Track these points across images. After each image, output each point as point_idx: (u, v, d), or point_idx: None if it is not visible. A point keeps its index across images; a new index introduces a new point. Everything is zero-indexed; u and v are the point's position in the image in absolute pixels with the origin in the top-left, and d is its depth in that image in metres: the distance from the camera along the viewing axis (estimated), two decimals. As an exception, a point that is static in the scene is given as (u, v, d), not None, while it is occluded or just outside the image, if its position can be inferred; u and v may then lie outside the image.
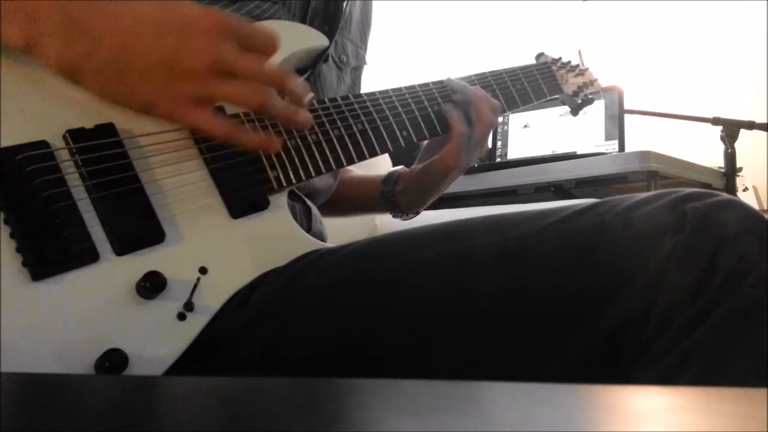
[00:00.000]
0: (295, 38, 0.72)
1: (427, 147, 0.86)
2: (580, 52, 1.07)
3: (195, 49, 0.50)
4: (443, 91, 0.80)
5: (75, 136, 0.54)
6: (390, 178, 0.88)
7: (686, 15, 2.62)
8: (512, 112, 0.85)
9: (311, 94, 0.59)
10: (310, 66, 0.76)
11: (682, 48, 2.61)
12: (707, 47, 2.57)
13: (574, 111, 1.06)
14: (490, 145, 1.96)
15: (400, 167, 0.89)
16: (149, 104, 0.53)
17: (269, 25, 0.70)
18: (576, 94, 1.03)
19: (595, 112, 1.84)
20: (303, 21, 0.76)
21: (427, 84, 0.79)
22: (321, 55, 0.76)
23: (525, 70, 0.94)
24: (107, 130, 0.56)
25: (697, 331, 0.46)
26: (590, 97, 1.05)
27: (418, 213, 0.90)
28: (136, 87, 0.51)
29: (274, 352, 0.57)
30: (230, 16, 0.53)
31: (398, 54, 2.62)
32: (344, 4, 0.79)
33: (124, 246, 0.54)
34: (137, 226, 0.55)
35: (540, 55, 1.02)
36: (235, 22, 0.53)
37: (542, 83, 0.95)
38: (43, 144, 0.53)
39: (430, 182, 0.82)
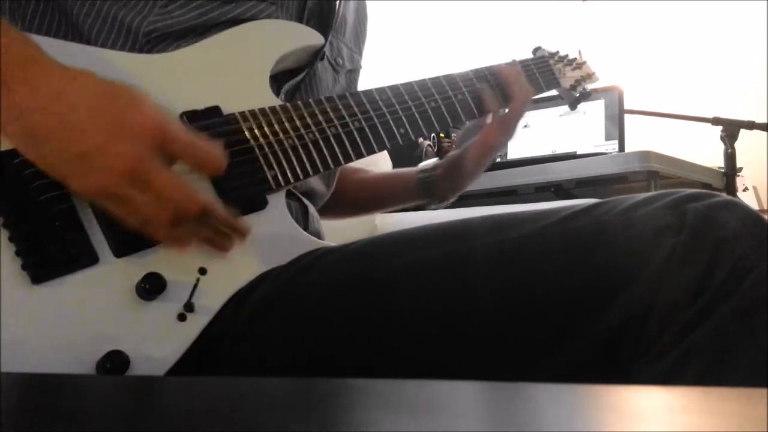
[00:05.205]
0: (291, 37, 0.72)
1: (461, 134, 0.90)
2: (580, 52, 1.07)
3: (118, 151, 0.49)
4: (440, 88, 0.80)
5: None
6: (426, 167, 0.91)
7: (686, 15, 2.62)
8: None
9: (247, 232, 0.56)
10: (307, 65, 0.76)
11: (682, 48, 2.61)
12: (707, 47, 2.57)
13: (572, 105, 1.06)
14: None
15: (433, 159, 0.92)
16: (65, 182, 0.51)
17: (265, 24, 0.70)
18: (574, 88, 1.03)
19: (595, 112, 1.85)
20: (299, 21, 0.76)
21: (423, 81, 0.79)
22: (317, 54, 0.76)
23: (523, 64, 0.94)
24: None
25: (697, 331, 0.46)
26: (588, 90, 1.05)
27: (451, 200, 0.94)
28: (54, 166, 0.50)
29: (274, 351, 0.57)
30: (176, 128, 0.51)
31: (398, 51, 2.62)
32: (337, 3, 0.80)
33: (123, 248, 0.54)
34: None
35: (537, 49, 1.01)
36: (177, 135, 0.51)
37: (540, 78, 0.95)
38: None
39: (471, 164, 0.86)
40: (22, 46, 0.51)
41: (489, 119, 0.85)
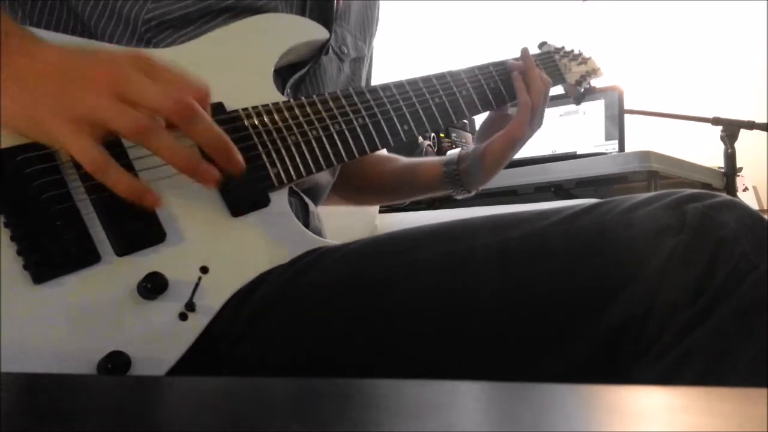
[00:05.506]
0: (295, 31, 0.72)
1: (483, 127, 0.91)
2: (581, 50, 1.07)
3: (100, 69, 0.51)
4: (444, 84, 0.80)
5: None
6: (451, 160, 0.92)
7: (686, 15, 2.62)
8: (513, 105, 0.87)
9: (241, 162, 0.55)
10: (311, 58, 0.76)
11: (682, 48, 2.61)
12: (707, 47, 2.57)
13: (577, 100, 1.07)
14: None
15: (456, 150, 0.94)
16: (36, 121, 0.51)
17: (269, 18, 0.70)
18: (579, 83, 1.03)
19: (595, 112, 1.85)
20: (302, 13, 0.76)
21: (428, 77, 0.79)
22: (322, 48, 0.76)
23: None
24: None
25: (697, 331, 0.46)
26: (593, 86, 1.06)
27: (478, 190, 0.95)
28: (32, 98, 0.50)
29: (274, 351, 0.57)
30: (154, 55, 0.53)
31: (400, 51, 2.62)
32: None
33: (124, 246, 0.54)
34: (138, 226, 0.54)
35: (543, 44, 1.01)
36: (155, 57, 0.52)
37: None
38: (43, 144, 0.53)
39: (496, 158, 0.87)
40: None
41: (513, 112, 0.86)
